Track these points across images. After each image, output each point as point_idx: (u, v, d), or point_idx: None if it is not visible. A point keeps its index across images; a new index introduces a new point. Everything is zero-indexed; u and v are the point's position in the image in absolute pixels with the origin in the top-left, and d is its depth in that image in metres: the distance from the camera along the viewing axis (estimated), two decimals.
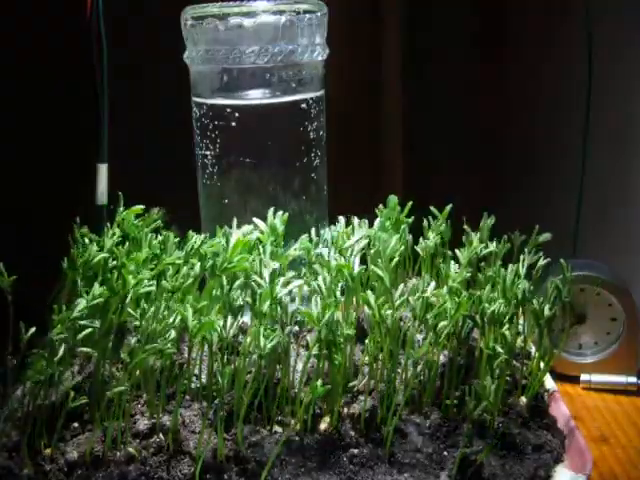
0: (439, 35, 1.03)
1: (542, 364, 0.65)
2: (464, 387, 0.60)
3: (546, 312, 0.63)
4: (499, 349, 0.59)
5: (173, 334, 0.57)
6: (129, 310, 0.59)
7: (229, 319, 0.57)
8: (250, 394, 0.57)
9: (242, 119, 0.76)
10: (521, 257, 0.69)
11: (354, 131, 1.03)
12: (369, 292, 0.60)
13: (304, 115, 0.78)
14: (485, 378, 0.57)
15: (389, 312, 0.58)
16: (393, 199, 0.76)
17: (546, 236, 0.70)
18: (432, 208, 0.76)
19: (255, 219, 0.70)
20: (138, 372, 0.60)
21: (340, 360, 0.58)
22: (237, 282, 0.59)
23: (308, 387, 0.60)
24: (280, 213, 0.70)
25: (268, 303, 0.58)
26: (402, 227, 0.74)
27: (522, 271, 0.66)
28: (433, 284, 0.62)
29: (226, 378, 0.54)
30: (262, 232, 0.68)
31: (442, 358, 0.66)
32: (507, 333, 0.60)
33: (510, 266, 0.66)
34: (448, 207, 0.75)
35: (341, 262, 0.63)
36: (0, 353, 0.56)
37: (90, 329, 0.56)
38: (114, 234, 0.68)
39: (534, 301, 0.63)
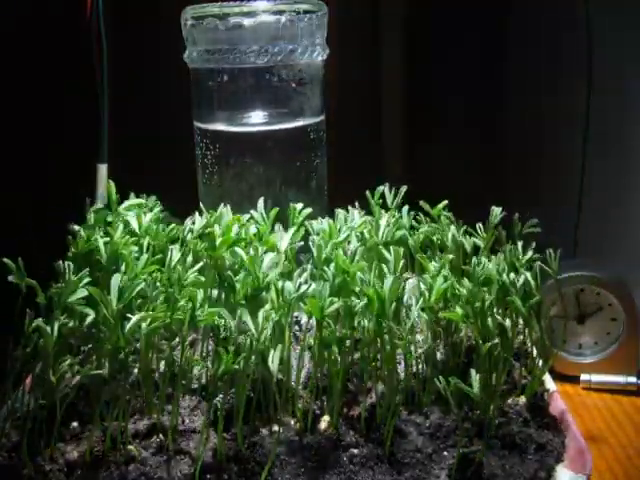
0: (439, 35, 1.03)
1: (541, 362, 0.65)
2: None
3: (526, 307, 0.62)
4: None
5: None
6: None
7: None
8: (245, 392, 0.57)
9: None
10: (507, 248, 0.68)
11: (354, 131, 1.03)
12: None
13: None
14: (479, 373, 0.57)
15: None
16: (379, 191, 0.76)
17: (532, 222, 0.70)
18: (422, 203, 0.75)
19: (252, 211, 0.71)
20: (137, 371, 0.60)
21: (339, 359, 0.58)
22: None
23: (307, 387, 0.61)
24: (309, 209, 0.71)
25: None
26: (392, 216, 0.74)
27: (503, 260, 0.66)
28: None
29: (223, 365, 0.54)
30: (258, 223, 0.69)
31: (440, 356, 0.66)
32: (490, 324, 0.60)
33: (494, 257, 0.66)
34: (442, 204, 0.76)
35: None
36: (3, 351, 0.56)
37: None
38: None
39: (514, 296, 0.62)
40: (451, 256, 0.68)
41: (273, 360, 0.56)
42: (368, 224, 0.71)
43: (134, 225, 0.69)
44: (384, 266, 0.63)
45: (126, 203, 0.73)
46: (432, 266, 0.65)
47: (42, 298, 0.57)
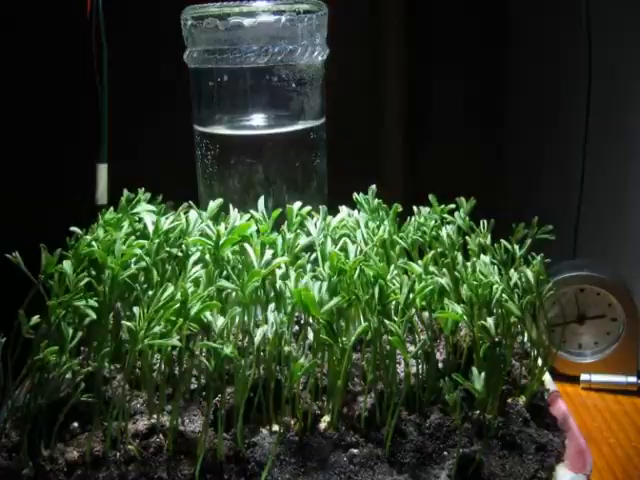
0: (439, 35, 1.03)
1: (540, 362, 0.65)
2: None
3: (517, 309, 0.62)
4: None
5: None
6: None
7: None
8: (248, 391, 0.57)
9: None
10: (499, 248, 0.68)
11: (354, 131, 1.03)
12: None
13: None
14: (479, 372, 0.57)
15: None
16: (372, 189, 0.76)
17: (548, 228, 0.70)
18: (430, 196, 0.75)
19: (252, 211, 0.71)
20: (138, 370, 0.60)
21: (339, 359, 0.58)
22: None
23: (307, 387, 0.61)
24: (307, 207, 0.72)
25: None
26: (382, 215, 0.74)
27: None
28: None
29: (219, 359, 0.54)
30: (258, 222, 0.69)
31: (439, 355, 0.66)
32: (487, 322, 0.60)
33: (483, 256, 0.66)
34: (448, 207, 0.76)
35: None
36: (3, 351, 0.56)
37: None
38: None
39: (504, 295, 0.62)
40: (430, 255, 0.67)
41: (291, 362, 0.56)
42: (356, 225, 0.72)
43: (150, 226, 0.68)
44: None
45: (144, 206, 0.73)
46: (417, 266, 0.65)
47: (54, 303, 0.57)
